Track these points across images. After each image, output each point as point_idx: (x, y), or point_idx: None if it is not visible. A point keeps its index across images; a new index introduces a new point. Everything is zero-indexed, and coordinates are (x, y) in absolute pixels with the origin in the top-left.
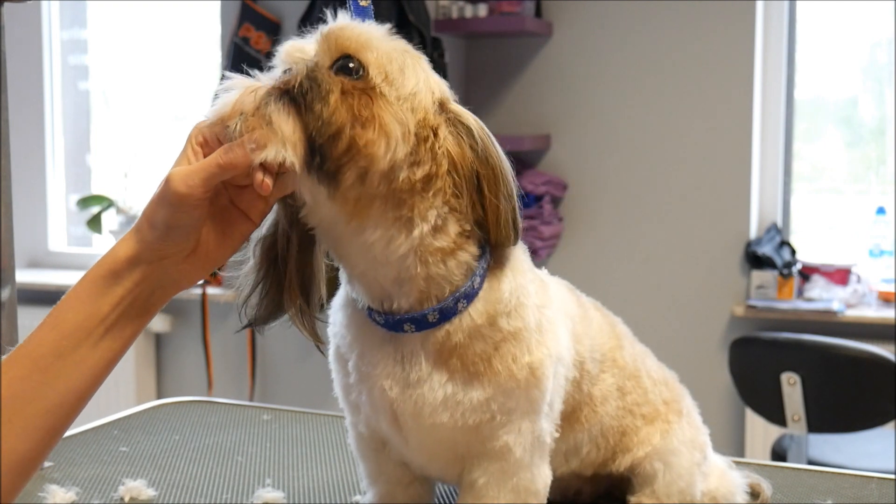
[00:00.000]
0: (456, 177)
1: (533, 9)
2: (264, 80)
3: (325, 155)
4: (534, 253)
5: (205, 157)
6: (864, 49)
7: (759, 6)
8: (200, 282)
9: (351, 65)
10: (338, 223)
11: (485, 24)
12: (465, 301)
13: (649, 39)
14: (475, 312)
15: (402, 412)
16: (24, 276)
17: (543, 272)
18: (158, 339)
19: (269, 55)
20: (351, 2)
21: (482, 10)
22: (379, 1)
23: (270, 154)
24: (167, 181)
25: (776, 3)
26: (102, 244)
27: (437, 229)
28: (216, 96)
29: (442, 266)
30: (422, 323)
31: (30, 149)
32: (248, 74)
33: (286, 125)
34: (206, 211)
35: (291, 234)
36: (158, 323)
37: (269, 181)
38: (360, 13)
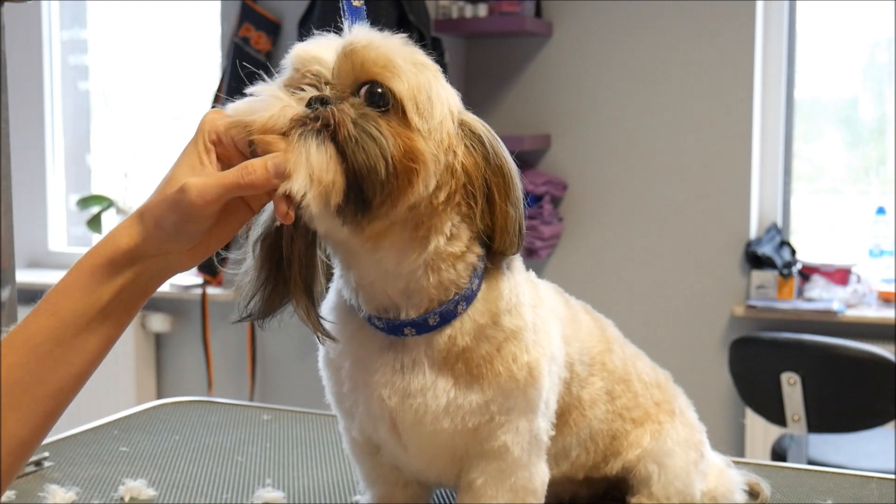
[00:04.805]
0: (470, 187)
1: (533, 9)
2: (287, 97)
3: (366, 201)
4: (534, 253)
5: (217, 156)
6: (864, 49)
7: (759, 6)
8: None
9: (380, 90)
10: (351, 242)
11: (485, 24)
12: (464, 303)
13: (649, 39)
14: (476, 313)
15: (402, 421)
16: (24, 276)
17: (531, 274)
18: (158, 339)
19: (269, 55)
20: (344, 2)
21: (482, 10)
22: (379, 1)
23: (295, 187)
24: (183, 191)
25: (776, 3)
26: None
27: (450, 237)
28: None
29: (453, 270)
30: (422, 327)
31: (30, 149)
32: (257, 75)
33: (326, 170)
34: (216, 217)
35: (295, 236)
36: (158, 323)
37: (292, 213)
38: (354, 13)
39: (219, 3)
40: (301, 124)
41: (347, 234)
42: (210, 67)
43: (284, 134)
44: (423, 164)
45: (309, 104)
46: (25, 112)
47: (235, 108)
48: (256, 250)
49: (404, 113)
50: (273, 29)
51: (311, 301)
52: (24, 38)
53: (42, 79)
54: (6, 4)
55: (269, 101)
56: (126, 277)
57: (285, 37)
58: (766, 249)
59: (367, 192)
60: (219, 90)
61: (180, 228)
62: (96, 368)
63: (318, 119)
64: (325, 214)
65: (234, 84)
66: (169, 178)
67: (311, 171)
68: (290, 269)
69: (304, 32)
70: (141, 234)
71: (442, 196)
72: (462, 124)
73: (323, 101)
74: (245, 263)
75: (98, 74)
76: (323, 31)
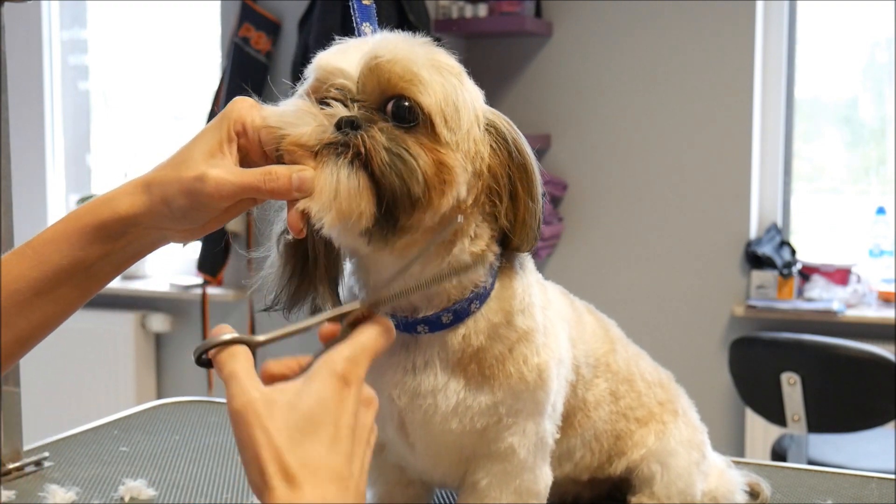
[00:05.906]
0: (494, 186)
1: (533, 9)
2: (317, 112)
3: (396, 224)
4: (534, 253)
5: (238, 147)
6: (864, 49)
7: (759, 6)
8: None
9: (407, 104)
10: (375, 253)
11: (485, 24)
12: (477, 302)
13: (649, 39)
14: (490, 311)
15: (412, 421)
16: None
17: (539, 276)
18: (158, 339)
19: (269, 55)
20: (354, 1)
21: (482, 10)
22: (379, 1)
23: (315, 209)
24: (201, 180)
25: (776, 3)
26: None
27: (473, 238)
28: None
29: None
30: (435, 324)
31: (30, 149)
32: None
33: (357, 199)
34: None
35: (317, 239)
36: (158, 323)
37: (305, 230)
38: (363, 12)
39: (219, 3)
40: (334, 151)
41: (372, 250)
42: (210, 67)
43: (315, 152)
44: (454, 179)
45: (339, 125)
46: (25, 112)
47: (267, 114)
48: (280, 245)
49: (432, 126)
50: (273, 29)
51: (335, 294)
52: (24, 38)
53: (42, 79)
54: (6, 4)
55: (301, 115)
56: (118, 243)
57: (285, 37)
58: (766, 249)
59: (399, 216)
60: (219, 90)
61: (187, 214)
62: (66, 320)
63: (350, 146)
64: (345, 236)
65: (234, 84)
66: (184, 156)
67: (339, 199)
68: (314, 263)
69: (304, 32)
70: (144, 205)
71: (469, 200)
72: (487, 125)
73: (352, 123)
74: (269, 257)
75: (98, 74)
76: (333, 33)
